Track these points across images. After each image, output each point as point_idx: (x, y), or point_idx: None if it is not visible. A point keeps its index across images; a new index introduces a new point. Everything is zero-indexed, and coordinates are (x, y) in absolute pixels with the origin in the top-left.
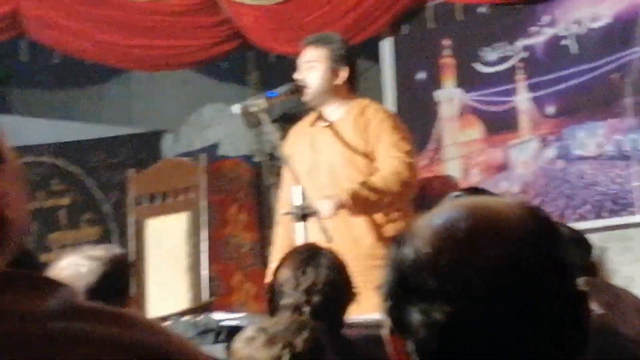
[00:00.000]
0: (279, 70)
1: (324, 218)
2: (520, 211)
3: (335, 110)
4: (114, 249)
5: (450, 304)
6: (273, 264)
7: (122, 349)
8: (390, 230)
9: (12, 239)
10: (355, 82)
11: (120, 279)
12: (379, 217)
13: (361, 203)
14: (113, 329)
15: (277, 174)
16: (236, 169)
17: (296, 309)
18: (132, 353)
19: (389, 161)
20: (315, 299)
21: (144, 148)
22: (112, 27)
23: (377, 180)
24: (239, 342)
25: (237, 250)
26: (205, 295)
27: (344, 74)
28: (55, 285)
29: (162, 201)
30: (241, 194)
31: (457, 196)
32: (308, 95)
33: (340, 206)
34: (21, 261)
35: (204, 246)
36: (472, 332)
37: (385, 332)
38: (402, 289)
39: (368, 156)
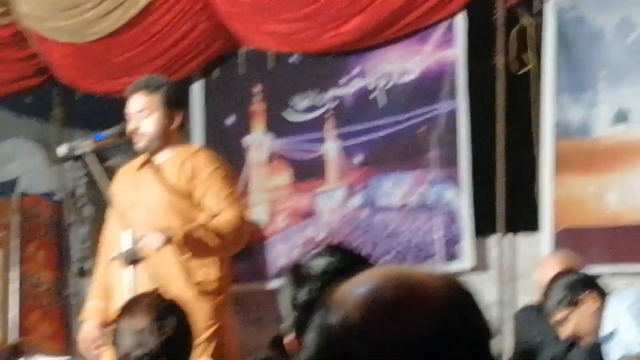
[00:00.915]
0: (84, 107)
1: (150, 249)
2: (442, 282)
3: (165, 154)
4: None
5: None
6: (93, 302)
7: None
8: (200, 275)
9: None
10: (183, 125)
11: None
12: (190, 261)
13: (192, 243)
14: None
15: (78, 213)
16: (36, 206)
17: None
18: None
19: (225, 212)
20: (168, 349)
21: None
22: None
23: (213, 225)
24: None
25: (35, 289)
26: (13, 337)
27: (179, 118)
28: None
29: None
30: (40, 232)
31: (317, 254)
32: (142, 143)
33: (170, 241)
34: None
35: (14, 287)
36: None
37: None
38: (329, 355)
39: (191, 201)
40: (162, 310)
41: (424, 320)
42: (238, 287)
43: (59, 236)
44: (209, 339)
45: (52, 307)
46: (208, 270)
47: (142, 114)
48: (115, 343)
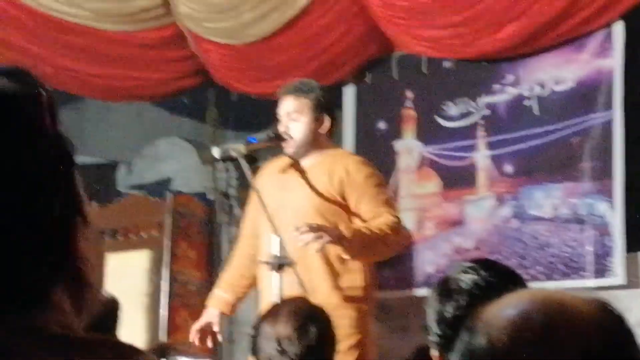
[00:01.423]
0: (239, 109)
1: (324, 243)
2: (594, 307)
3: (312, 158)
4: (103, 293)
5: None
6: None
7: None
8: (346, 281)
9: (89, 303)
10: (333, 129)
11: (109, 321)
12: (337, 266)
13: (359, 244)
14: None
15: (230, 213)
16: (189, 205)
17: None
18: None
19: (384, 216)
20: (310, 357)
21: (98, 179)
22: (75, 53)
23: (377, 226)
24: None
25: (184, 287)
26: (162, 336)
27: (327, 123)
28: (134, 351)
29: (124, 237)
30: (192, 231)
31: (468, 268)
32: (291, 147)
33: (340, 239)
34: (97, 325)
35: (165, 286)
36: None
37: None
38: None
39: (338, 206)
40: (306, 317)
41: (574, 346)
42: (384, 294)
43: (210, 236)
44: (350, 348)
45: (200, 307)
46: (354, 277)
47: (291, 117)
48: (256, 348)
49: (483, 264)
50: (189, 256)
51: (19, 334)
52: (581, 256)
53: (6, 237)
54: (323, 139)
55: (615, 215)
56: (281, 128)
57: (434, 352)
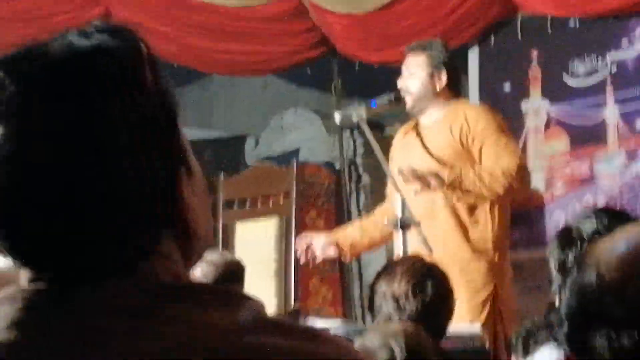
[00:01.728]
0: (363, 78)
1: (424, 190)
2: None
3: (432, 115)
4: (227, 255)
5: (638, 331)
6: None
7: None
8: (475, 233)
9: (197, 253)
10: (456, 86)
11: (233, 284)
12: (465, 219)
13: (461, 186)
14: (304, 344)
15: (357, 181)
16: (316, 175)
17: (408, 318)
18: None
19: (502, 160)
20: (427, 313)
21: (226, 152)
22: (200, 31)
23: (483, 173)
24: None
25: None
26: (291, 301)
27: (443, 78)
28: (243, 298)
29: (252, 206)
30: (320, 200)
31: (588, 216)
32: (409, 103)
33: (440, 182)
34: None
35: (293, 253)
36: None
37: (559, 357)
38: (584, 314)
39: (461, 159)
40: (422, 274)
41: None
42: (516, 255)
43: (338, 204)
44: (484, 301)
45: (331, 273)
46: (483, 229)
47: (409, 73)
48: (374, 306)
49: (604, 212)
50: (317, 225)
51: (130, 283)
52: None
53: (114, 189)
54: (443, 94)
55: None
56: (400, 83)
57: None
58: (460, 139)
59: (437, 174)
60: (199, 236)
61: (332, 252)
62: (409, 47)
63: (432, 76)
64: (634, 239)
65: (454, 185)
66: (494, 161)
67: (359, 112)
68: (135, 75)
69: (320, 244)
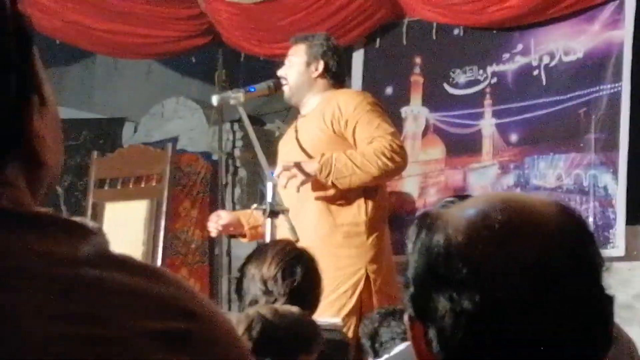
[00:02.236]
0: (247, 71)
1: (293, 182)
2: (553, 208)
3: (310, 105)
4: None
5: (481, 294)
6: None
7: (151, 301)
8: (346, 217)
9: (44, 185)
10: (336, 77)
11: None
12: (335, 203)
13: (330, 172)
14: (144, 281)
15: (234, 175)
16: (194, 164)
17: (275, 302)
18: (161, 306)
19: (376, 141)
20: (294, 297)
21: (103, 134)
22: (84, 7)
23: (355, 155)
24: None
25: (186, 245)
26: None
27: (320, 68)
28: (87, 231)
29: (124, 187)
30: (195, 190)
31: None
32: (286, 91)
33: (312, 174)
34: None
35: (161, 236)
36: (500, 323)
37: (404, 318)
38: (429, 275)
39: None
40: (291, 258)
41: (531, 245)
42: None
43: (213, 196)
44: (354, 285)
45: (200, 266)
46: (354, 213)
47: (288, 60)
48: (242, 289)
49: (461, 198)
50: (191, 215)
51: None
52: None
53: None
54: (322, 84)
55: (619, 187)
56: (280, 72)
57: None
58: (332, 125)
59: (299, 165)
60: (47, 166)
61: (232, 229)
62: (293, 37)
63: (309, 65)
64: (484, 203)
65: (327, 172)
66: (368, 142)
67: (236, 96)
68: None
69: (227, 218)
